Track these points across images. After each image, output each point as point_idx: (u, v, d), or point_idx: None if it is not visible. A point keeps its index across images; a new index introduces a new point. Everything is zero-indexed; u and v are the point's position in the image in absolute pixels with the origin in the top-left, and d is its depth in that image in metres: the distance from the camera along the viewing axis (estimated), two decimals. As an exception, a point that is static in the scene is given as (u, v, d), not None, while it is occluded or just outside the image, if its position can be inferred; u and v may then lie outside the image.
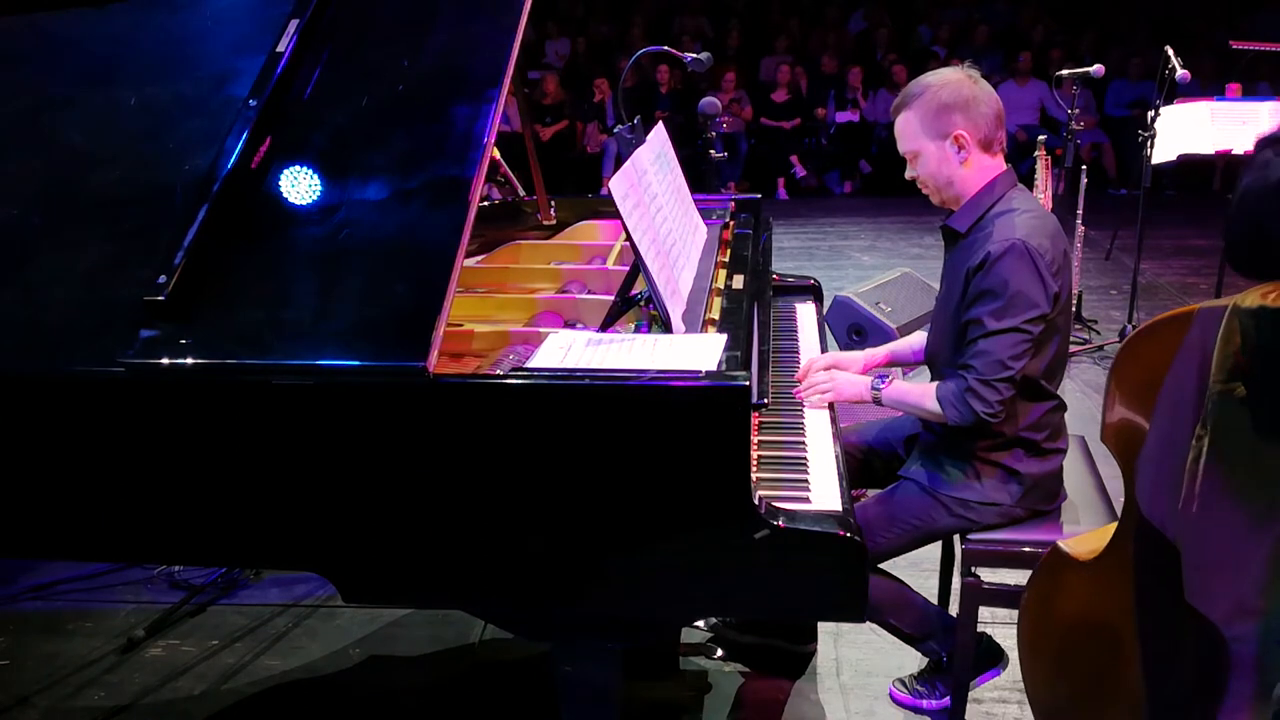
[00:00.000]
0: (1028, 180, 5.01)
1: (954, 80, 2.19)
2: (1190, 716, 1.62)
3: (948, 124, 2.18)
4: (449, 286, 1.73)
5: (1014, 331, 2.09)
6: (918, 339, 2.58)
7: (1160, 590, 1.57)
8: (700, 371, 1.67)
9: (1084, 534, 2.03)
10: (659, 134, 2.48)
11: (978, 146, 2.19)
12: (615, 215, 1.95)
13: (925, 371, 2.47)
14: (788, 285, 3.16)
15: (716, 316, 2.18)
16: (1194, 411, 1.47)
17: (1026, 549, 2.22)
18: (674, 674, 2.70)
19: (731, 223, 2.88)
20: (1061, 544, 1.89)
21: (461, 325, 2.23)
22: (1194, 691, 1.59)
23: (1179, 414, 1.51)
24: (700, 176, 3.21)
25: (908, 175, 2.29)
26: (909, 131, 2.22)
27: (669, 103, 9.35)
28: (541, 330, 2.14)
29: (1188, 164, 5.33)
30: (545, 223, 3.03)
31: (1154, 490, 1.59)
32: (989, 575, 2.29)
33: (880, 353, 2.60)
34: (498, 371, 1.87)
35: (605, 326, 2.09)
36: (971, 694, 2.45)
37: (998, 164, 2.23)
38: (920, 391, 2.22)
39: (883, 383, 2.28)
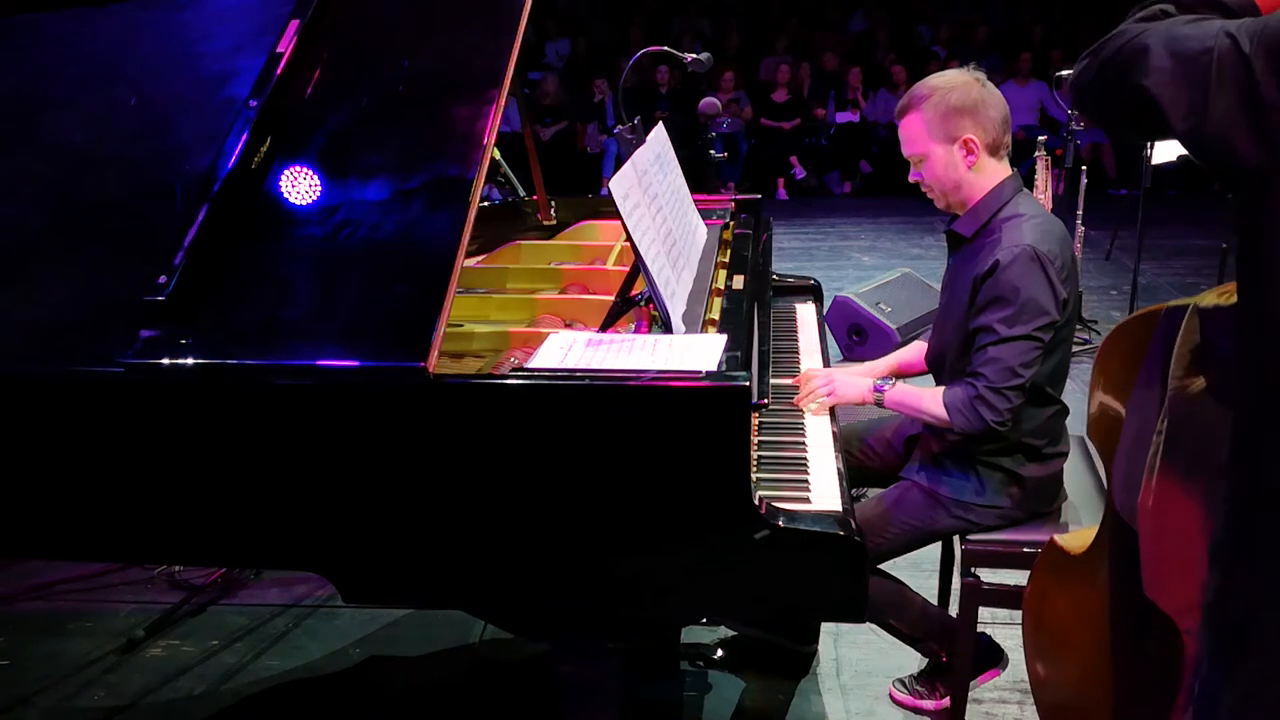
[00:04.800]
0: (1028, 181, 5.01)
1: (962, 83, 2.17)
2: (1152, 710, 1.63)
3: (956, 128, 2.16)
4: (449, 287, 1.73)
5: (1025, 339, 2.09)
6: (917, 349, 2.56)
7: (1129, 584, 1.59)
8: (700, 371, 1.67)
9: (1079, 529, 2.03)
10: (659, 134, 2.48)
11: (985, 150, 2.17)
12: (615, 215, 1.95)
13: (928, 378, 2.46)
14: (788, 285, 3.16)
15: (716, 316, 2.18)
16: (1159, 408, 1.48)
17: (1026, 549, 2.22)
18: (674, 674, 2.70)
19: (731, 223, 2.88)
20: (1057, 539, 1.90)
21: (461, 325, 2.23)
22: (1156, 685, 1.60)
23: (1146, 411, 1.52)
24: (700, 176, 3.21)
25: (912, 178, 2.28)
26: (915, 134, 2.20)
27: (669, 103, 9.35)
28: (542, 330, 2.14)
29: (1188, 164, 5.32)
30: (545, 223, 3.03)
31: (1123, 485, 1.61)
32: (989, 575, 2.29)
33: (881, 365, 2.57)
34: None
35: (605, 327, 2.09)
36: (971, 694, 2.45)
37: (1004, 168, 2.22)
38: (925, 396, 2.21)
39: (885, 383, 2.28)
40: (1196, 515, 1.40)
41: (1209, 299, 1.43)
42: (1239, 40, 1.15)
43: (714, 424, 1.63)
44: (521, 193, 3.14)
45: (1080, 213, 5.17)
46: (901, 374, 2.52)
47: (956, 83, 2.17)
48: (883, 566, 2.41)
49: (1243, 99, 1.14)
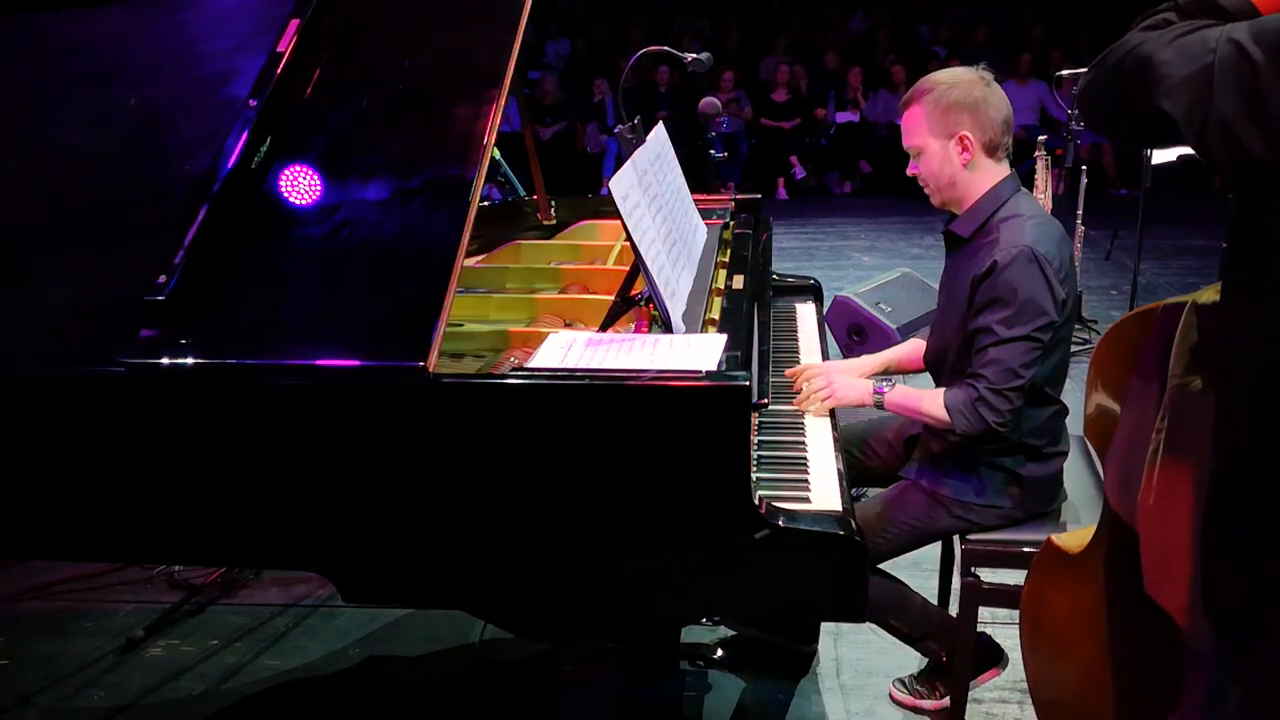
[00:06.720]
0: (1028, 180, 5.02)
1: (966, 80, 2.17)
2: (1152, 708, 1.63)
3: (954, 124, 2.16)
4: (449, 286, 1.73)
5: (1025, 340, 2.09)
6: (914, 346, 2.56)
7: (1127, 583, 1.59)
8: (700, 371, 1.67)
9: (1077, 529, 2.03)
10: (659, 134, 2.48)
11: (982, 150, 2.18)
12: (615, 215, 1.95)
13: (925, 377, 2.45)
14: (788, 285, 3.16)
15: (716, 316, 2.18)
16: (1156, 406, 1.48)
17: (1026, 549, 2.22)
18: (674, 674, 2.70)
19: (731, 223, 2.88)
20: (1055, 538, 1.90)
21: (461, 325, 2.23)
22: (1156, 684, 1.60)
23: (1143, 408, 1.53)
24: (700, 176, 3.21)
25: (909, 171, 2.28)
26: (914, 127, 2.21)
27: (669, 103, 9.35)
28: (542, 330, 2.14)
29: (1188, 164, 5.32)
30: (545, 223, 3.03)
31: (1119, 484, 1.61)
32: (989, 575, 2.29)
33: (878, 360, 2.57)
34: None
35: (605, 327, 2.09)
36: (971, 694, 2.45)
37: (1002, 169, 2.22)
38: (926, 398, 2.21)
39: (885, 385, 2.28)
40: (1199, 512, 1.40)
41: (1207, 295, 1.43)
42: (1241, 42, 1.16)
43: (714, 424, 1.63)
44: (521, 193, 3.14)
45: (1080, 213, 5.17)
46: (896, 371, 2.52)
47: (961, 79, 2.18)
48: (883, 566, 2.41)
49: (1249, 98, 1.16)
